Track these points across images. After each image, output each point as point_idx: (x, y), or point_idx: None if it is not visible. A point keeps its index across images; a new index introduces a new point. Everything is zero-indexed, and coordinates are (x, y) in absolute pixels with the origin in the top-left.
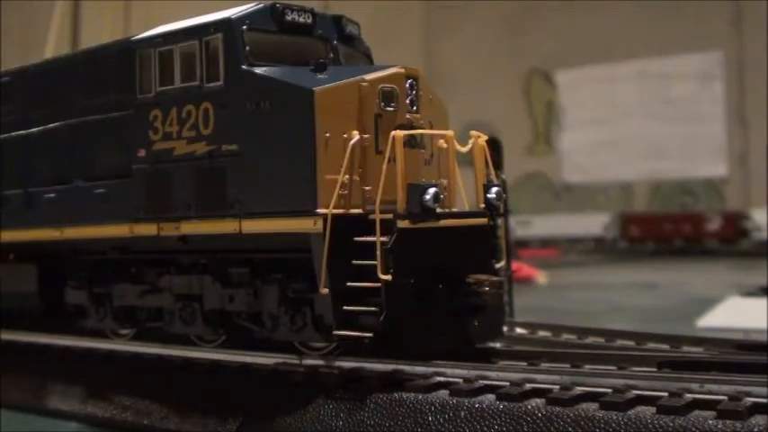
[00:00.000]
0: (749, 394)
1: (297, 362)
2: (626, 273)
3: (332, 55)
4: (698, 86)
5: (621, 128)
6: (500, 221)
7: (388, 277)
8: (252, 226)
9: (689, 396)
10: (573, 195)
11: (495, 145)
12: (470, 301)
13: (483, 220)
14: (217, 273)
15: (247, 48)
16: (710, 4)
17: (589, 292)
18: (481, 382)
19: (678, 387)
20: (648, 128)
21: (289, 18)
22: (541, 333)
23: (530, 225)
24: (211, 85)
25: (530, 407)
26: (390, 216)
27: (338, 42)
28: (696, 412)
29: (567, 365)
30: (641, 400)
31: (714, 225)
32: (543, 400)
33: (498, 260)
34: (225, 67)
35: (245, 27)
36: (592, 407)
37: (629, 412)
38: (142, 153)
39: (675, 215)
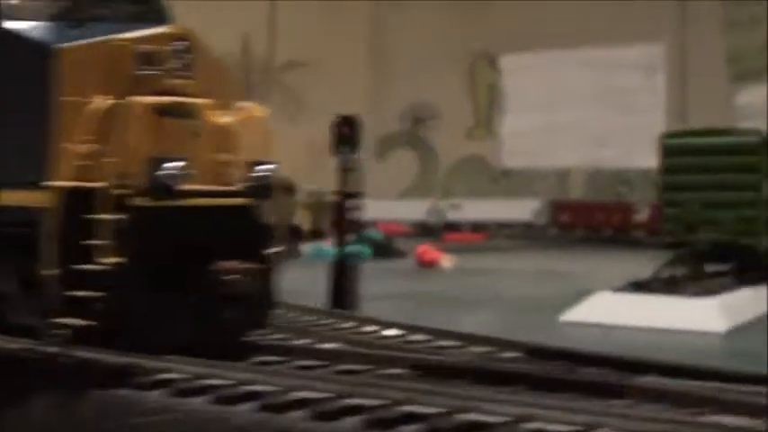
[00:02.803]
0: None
1: (38, 348)
2: (541, 260)
3: (106, 11)
4: (640, 77)
5: (563, 115)
6: (285, 203)
7: (121, 260)
8: None
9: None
10: (511, 181)
11: (350, 123)
12: (219, 291)
13: (240, 201)
14: None
15: None
16: None
17: (487, 277)
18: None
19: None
20: (589, 116)
21: None
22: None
23: (460, 209)
24: None
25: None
26: (130, 192)
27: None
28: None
29: None
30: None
31: (642, 215)
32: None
33: (272, 245)
34: None
35: None
36: None
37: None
38: None
39: (607, 204)
